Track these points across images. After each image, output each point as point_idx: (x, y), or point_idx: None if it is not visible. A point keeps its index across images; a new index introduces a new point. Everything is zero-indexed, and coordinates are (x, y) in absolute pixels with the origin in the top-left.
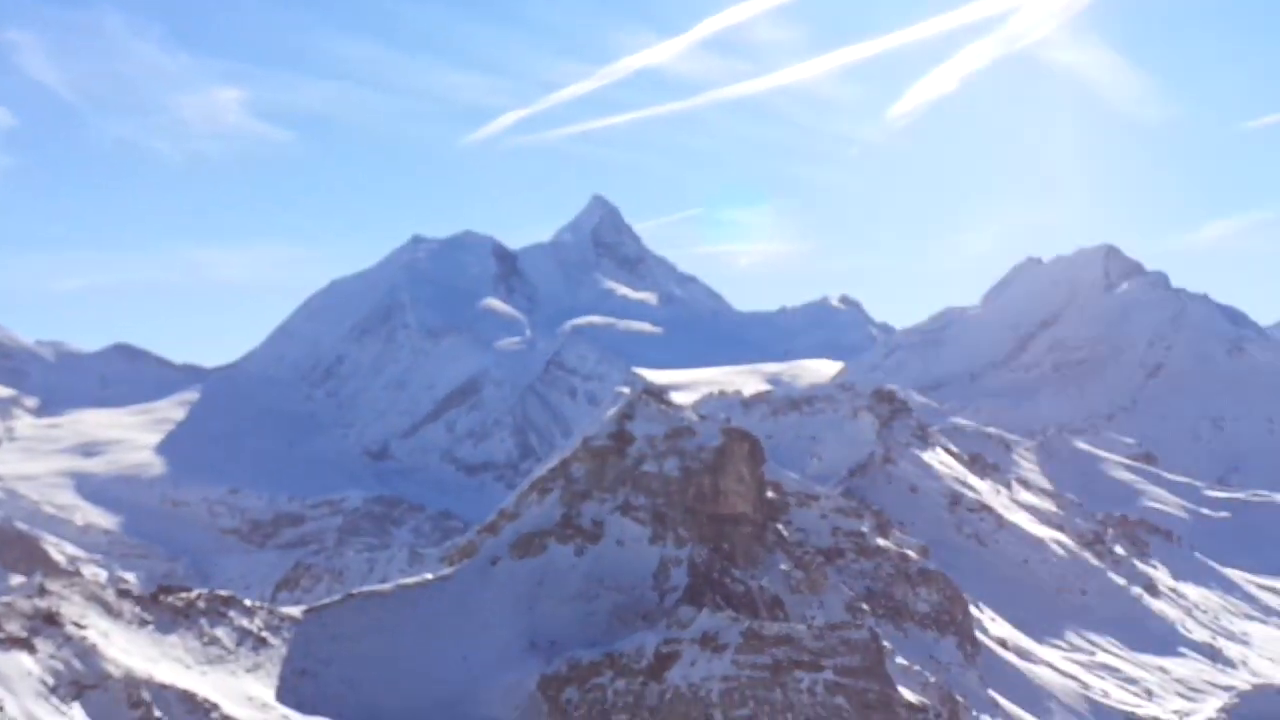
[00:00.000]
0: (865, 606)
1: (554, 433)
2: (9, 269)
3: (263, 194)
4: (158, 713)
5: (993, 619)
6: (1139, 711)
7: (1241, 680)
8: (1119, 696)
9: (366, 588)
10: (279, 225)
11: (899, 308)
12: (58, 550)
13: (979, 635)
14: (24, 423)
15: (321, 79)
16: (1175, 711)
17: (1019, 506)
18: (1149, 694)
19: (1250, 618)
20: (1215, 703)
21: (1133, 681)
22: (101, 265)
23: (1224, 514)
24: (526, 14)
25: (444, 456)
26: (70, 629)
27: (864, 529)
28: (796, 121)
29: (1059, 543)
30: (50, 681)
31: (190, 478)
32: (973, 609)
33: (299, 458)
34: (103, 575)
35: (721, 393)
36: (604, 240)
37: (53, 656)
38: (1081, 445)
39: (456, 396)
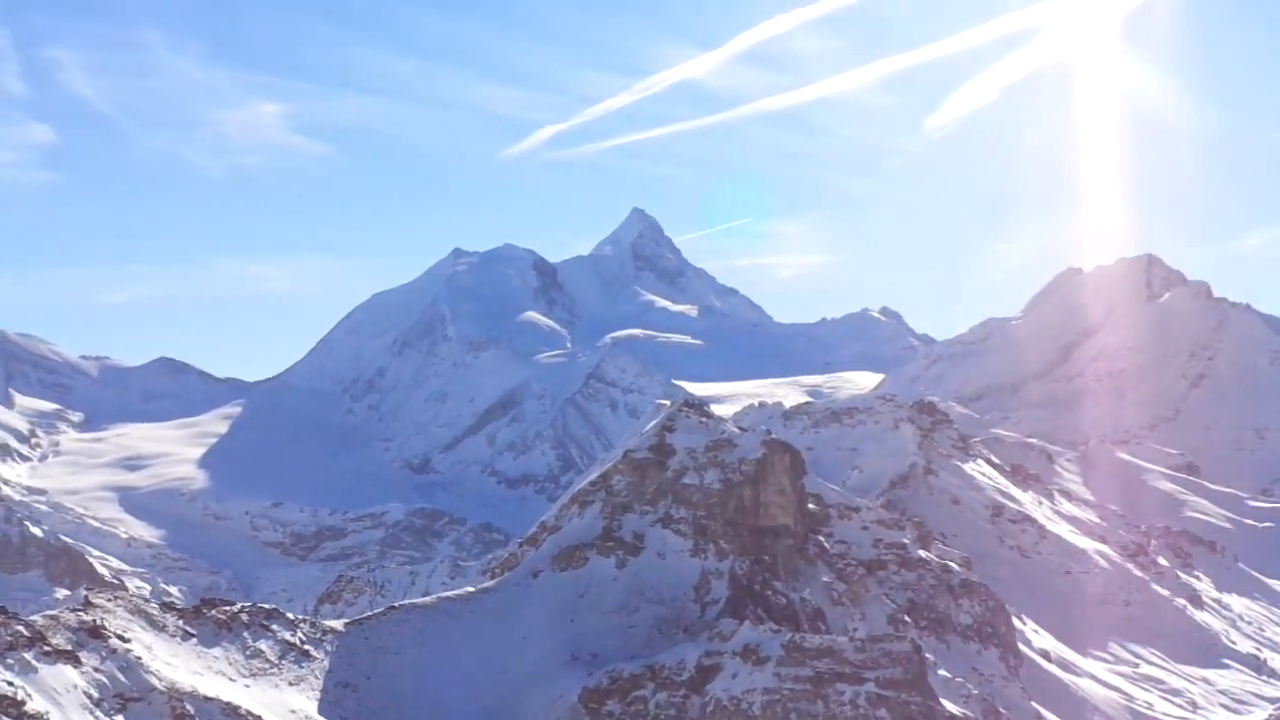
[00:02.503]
0: (907, 618)
1: (594, 445)
2: (53, 284)
3: (304, 208)
4: None
5: (1036, 631)
6: None
7: None
8: (1163, 708)
9: (408, 600)
10: (320, 239)
11: (940, 319)
12: (102, 563)
13: (1022, 647)
14: (69, 437)
15: (361, 93)
16: None
17: (1061, 518)
18: (1193, 705)
19: None
20: (1260, 714)
21: (1177, 693)
22: (144, 280)
23: (1268, 524)
24: (564, 28)
25: (485, 469)
26: (115, 642)
27: (906, 541)
28: (835, 133)
29: (1102, 554)
30: (95, 694)
31: (233, 491)
32: (1015, 621)
33: (341, 471)
34: (146, 588)
35: (762, 404)
36: (644, 253)
37: (97, 669)
38: (1124, 456)
39: (497, 409)
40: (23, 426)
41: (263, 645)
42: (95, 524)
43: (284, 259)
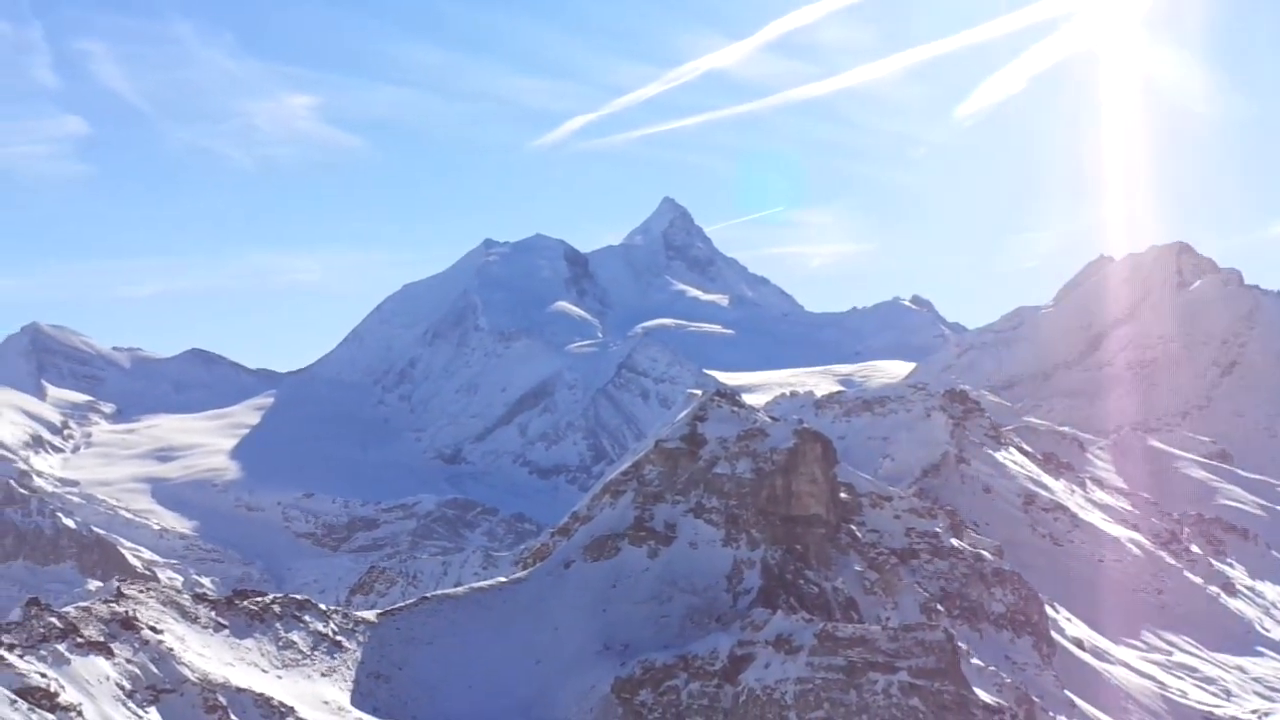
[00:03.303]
0: (940, 607)
1: (626, 435)
2: (85, 276)
3: (334, 199)
4: (234, 717)
5: (1068, 619)
6: (1217, 711)
7: None
8: (1197, 696)
9: (440, 591)
10: (351, 230)
11: (971, 307)
12: (134, 555)
13: (1055, 635)
14: (101, 429)
15: (391, 85)
16: (1254, 711)
17: (1094, 506)
18: (1227, 693)
19: None
20: None
21: (1210, 681)
22: (176, 271)
23: None
24: (592, 18)
25: (516, 459)
26: (147, 633)
27: (938, 529)
28: (864, 123)
29: (1134, 542)
30: (127, 686)
31: (265, 482)
32: (1048, 609)
33: (372, 462)
34: (179, 580)
35: (793, 394)
36: (675, 242)
37: (130, 661)
38: (1156, 444)
39: (529, 399)
40: (55, 418)
41: (295, 636)
42: (127, 515)
43: (315, 250)
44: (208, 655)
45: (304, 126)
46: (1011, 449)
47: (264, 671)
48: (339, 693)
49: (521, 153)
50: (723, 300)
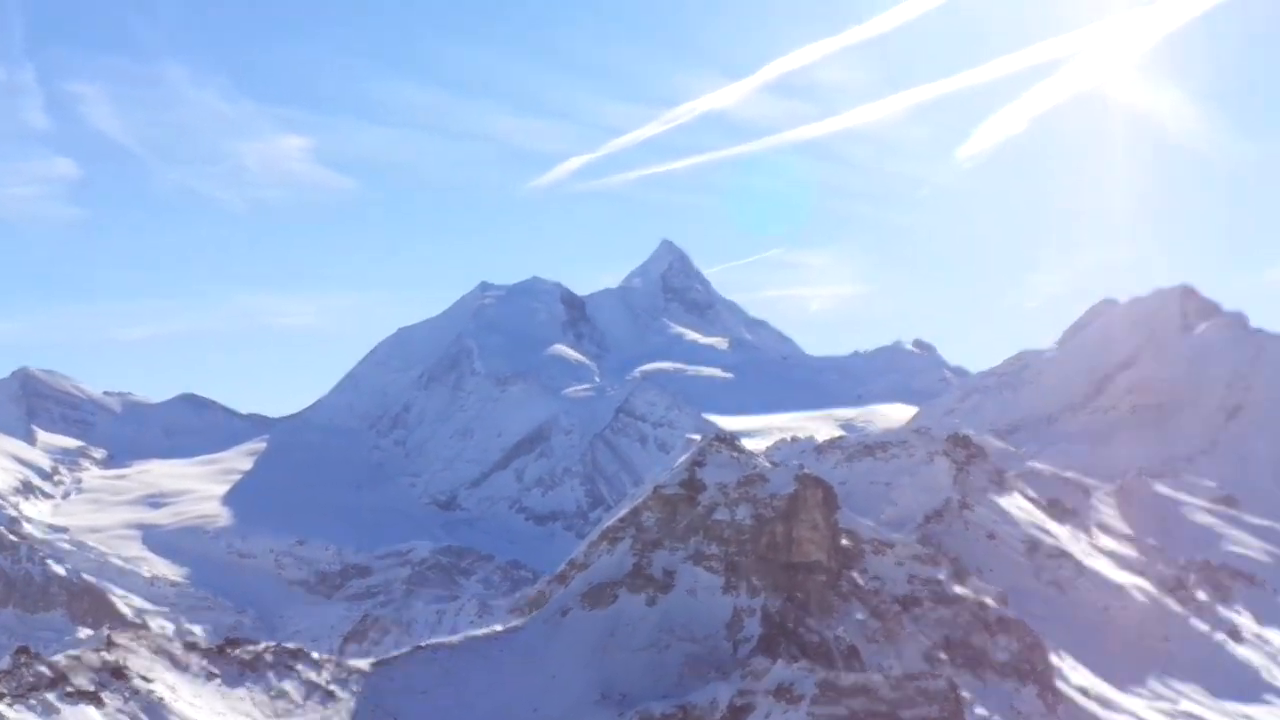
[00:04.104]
0: (943, 655)
1: (624, 481)
2: (76, 319)
3: (327, 242)
4: None
5: (1073, 667)
6: None
7: None
8: None
9: (435, 639)
10: (344, 273)
11: (973, 351)
12: (125, 603)
13: (1060, 684)
14: (91, 474)
15: (385, 126)
16: None
17: (1099, 552)
18: None
19: None
20: None
21: None
22: (167, 315)
23: None
24: (588, 58)
25: (513, 505)
26: (137, 682)
27: (941, 576)
28: (864, 163)
29: (1140, 589)
30: None
31: (257, 529)
32: (1053, 657)
33: (366, 508)
34: (170, 628)
35: (794, 438)
36: (673, 285)
37: (120, 710)
38: (1161, 489)
39: (525, 445)
40: (45, 463)
41: (287, 686)
42: (118, 562)
43: (307, 293)
44: (199, 705)
45: (296, 168)
46: (1015, 494)
47: None
48: None
49: (517, 194)
50: (722, 343)
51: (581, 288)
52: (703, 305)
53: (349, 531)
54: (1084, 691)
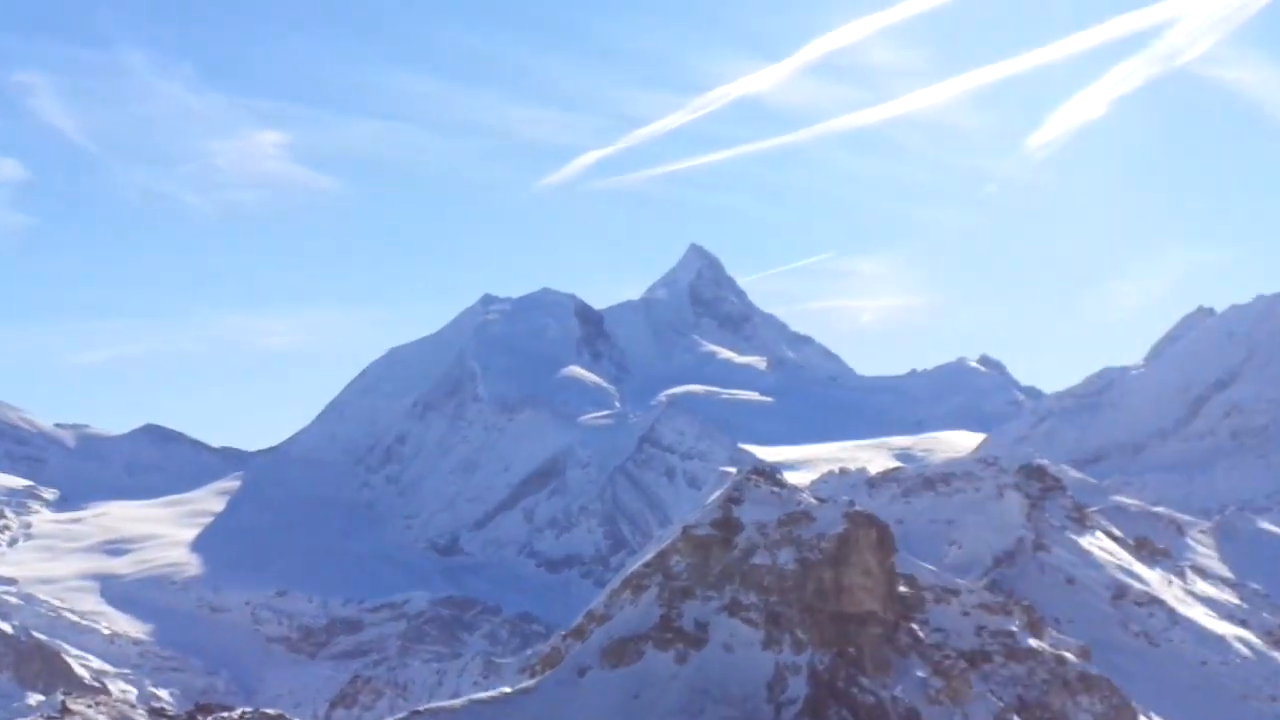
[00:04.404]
0: (1016, 718)
1: (649, 521)
2: (24, 342)
3: (309, 250)
4: None
5: None
6: None
7: None
8: None
9: (434, 704)
10: (328, 286)
11: (1048, 369)
12: (81, 664)
13: None
14: (42, 518)
15: (373, 118)
16: None
17: (1195, 599)
18: None
19: None
20: None
21: None
22: (127, 336)
23: None
24: (606, 41)
25: (522, 550)
26: None
27: (1013, 628)
28: (922, 155)
29: (1243, 640)
30: None
31: (231, 579)
32: (1142, 719)
33: (355, 554)
34: (132, 692)
35: (843, 471)
36: (703, 296)
37: None
38: (1266, 525)
39: (536, 480)
40: None
41: None
42: (73, 618)
43: (287, 310)
44: None
45: (273, 167)
46: (1098, 533)
47: None
48: None
49: (525, 194)
50: (760, 363)
51: (599, 300)
52: (738, 319)
53: (335, 581)
54: None
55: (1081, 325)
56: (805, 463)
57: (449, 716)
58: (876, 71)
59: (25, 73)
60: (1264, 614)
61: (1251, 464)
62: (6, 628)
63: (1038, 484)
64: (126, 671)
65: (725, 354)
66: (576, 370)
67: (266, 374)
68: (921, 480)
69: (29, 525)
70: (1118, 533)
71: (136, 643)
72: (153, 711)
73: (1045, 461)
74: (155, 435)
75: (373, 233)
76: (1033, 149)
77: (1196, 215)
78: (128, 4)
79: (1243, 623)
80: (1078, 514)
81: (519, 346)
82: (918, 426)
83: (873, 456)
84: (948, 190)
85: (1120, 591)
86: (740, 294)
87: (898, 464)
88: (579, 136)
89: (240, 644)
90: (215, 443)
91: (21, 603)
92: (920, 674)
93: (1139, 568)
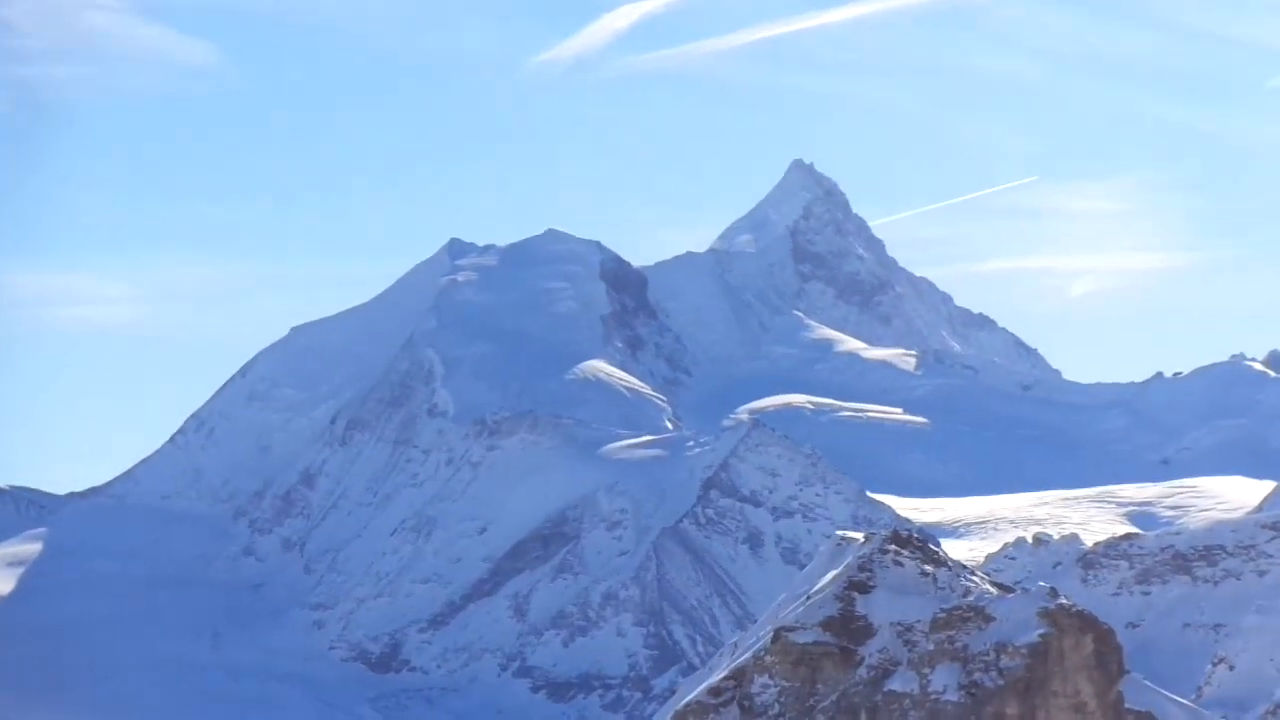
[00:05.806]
0: None
1: (717, 615)
2: None
3: (160, 162)
4: None
5: None
6: None
7: None
8: None
9: None
10: (187, 223)
11: None
12: None
13: None
14: None
15: None
16: None
17: None
18: None
19: None
20: None
21: None
22: None
23: None
24: None
25: (507, 664)
26: None
27: None
28: (1175, 24)
29: None
30: None
31: (22, 713)
32: None
33: (228, 668)
34: None
35: (1039, 539)
36: (811, 248)
37: None
38: None
39: (532, 548)
40: None
41: None
42: None
43: (121, 264)
44: None
45: (110, 28)
46: None
47: None
48: None
49: (517, 76)
50: (905, 358)
51: (639, 253)
52: (870, 286)
53: (201, 710)
54: None
55: None
56: (979, 524)
57: None
58: None
59: None
60: None
61: None
62: None
63: None
64: None
65: (848, 342)
66: (601, 366)
67: (87, 365)
68: (1171, 556)
69: None
70: None
71: None
72: None
73: None
74: None
75: (263, 134)
76: None
77: None
78: None
79: None
80: None
81: (506, 326)
82: (1165, 468)
83: (1090, 516)
84: (1213, 83)
85: None
86: (876, 245)
87: (1132, 529)
88: None
89: None
90: (1, 481)
91: None
92: None
93: None
